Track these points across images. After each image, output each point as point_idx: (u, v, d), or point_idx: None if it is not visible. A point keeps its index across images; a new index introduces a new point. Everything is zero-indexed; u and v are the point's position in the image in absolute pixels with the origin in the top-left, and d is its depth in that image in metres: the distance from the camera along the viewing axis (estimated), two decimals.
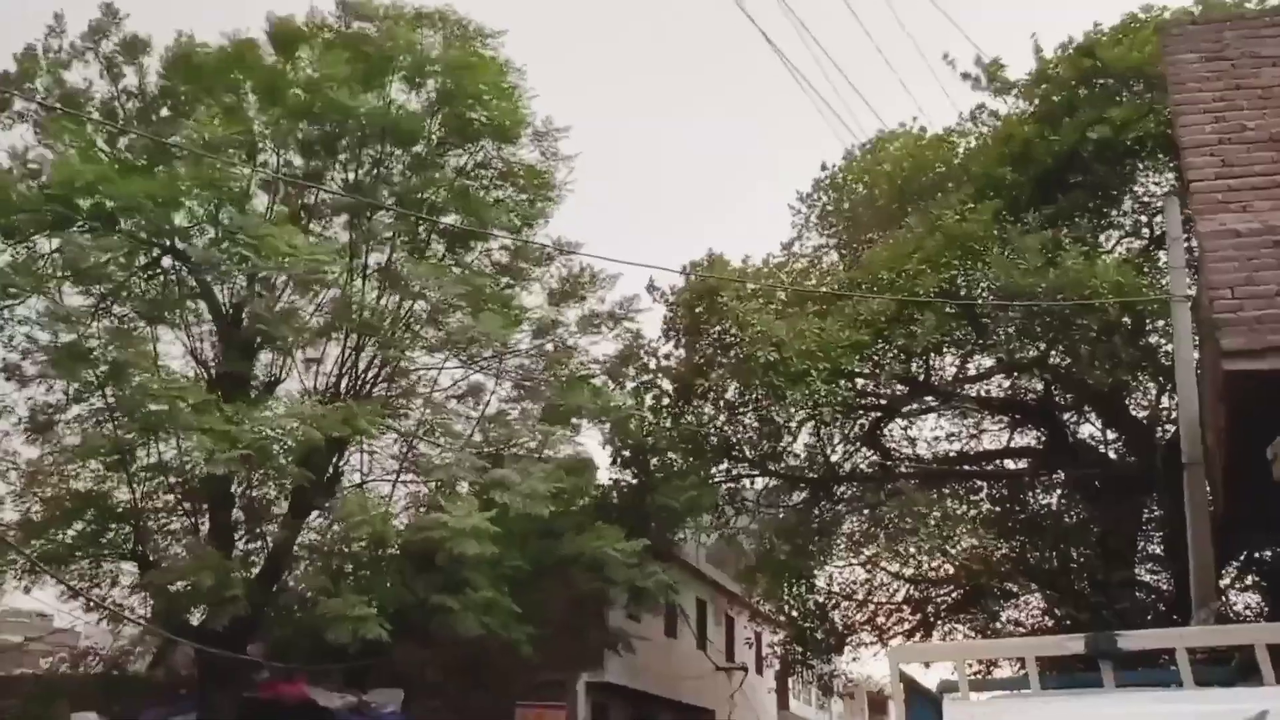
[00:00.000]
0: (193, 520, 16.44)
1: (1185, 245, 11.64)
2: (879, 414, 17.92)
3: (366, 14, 16.50)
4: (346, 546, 15.55)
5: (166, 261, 15.94)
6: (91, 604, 16.81)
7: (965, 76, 16.58)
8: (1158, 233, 15.01)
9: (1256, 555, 15.29)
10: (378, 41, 16.17)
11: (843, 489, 19.35)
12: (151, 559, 15.80)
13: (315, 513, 16.11)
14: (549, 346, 17.59)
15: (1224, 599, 14.99)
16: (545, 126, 17.00)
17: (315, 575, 15.60)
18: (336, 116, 15.77)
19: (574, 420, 16.72)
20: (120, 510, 15.70)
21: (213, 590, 13.85)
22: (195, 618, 15.54)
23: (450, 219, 16.80)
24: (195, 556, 14.81)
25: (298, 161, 16.76)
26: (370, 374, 16.46)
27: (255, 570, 15.79)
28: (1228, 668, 6.02)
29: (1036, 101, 15.93)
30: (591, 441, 18.02)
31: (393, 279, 16.12)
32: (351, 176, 16.77)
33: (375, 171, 16.71)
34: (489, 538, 13.68)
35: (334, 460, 15.96)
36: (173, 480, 15.91)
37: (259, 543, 16.42)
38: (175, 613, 15.38)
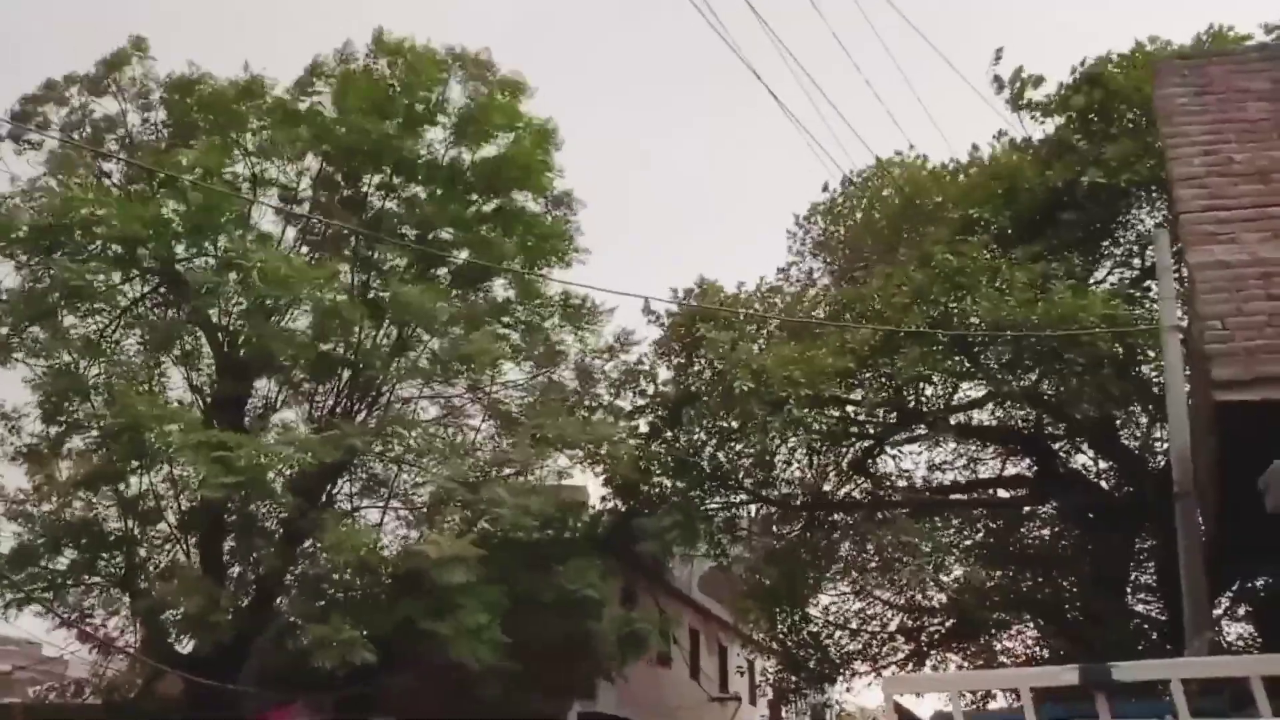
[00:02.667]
0: (184, 548, 16.40)
1: (1176, 276, 11.73)
2: (869, 442, 17.95)
3: (395, 51, 16.73)
4: (336, 573, 15.51)
5: (165, 290, 16.00)
6: (81, 633, 16.70)
7: (997, 80, 16.22)
8: (1148, 264, 15.10)
9: (1249, 585, 15.30)
10: (404, 80, 16.44)
11: (835, 517, 19.35)
12: (142, 587, 15.73)
13: (308, 540, 16.07)
14: (545, 378, 17.68)
15: (1217, 629, 15.00)
16: (565, 194, 17.33)
17: (304, 602, 15.57)
18: (354, 149, 15.97)
19: (566, 450, 16.76)
20: (113, 539, 15.64)
21: (202, 618, 13.80)
22: (185, 646, 15.47)
23: (461, 257, 17.02)
24: (185, 584, 14.77)
25: (311, 194, 16.97)
26: (366, 401, 16.49)
27: (247, 598, 15.73)
28: (1221, 698, 6.04)
29: (1050, 128, 15.83)
30: (583, 471, 18.04)
31: (393, 308, 16.22)
32: (365, 211, 16.95)
33: (385, 205, 16.91)
34: (474, 563, 13.70)
35: (327, 487, 15.96)
36: (165, 508, 15.87)
37: (251, 571, 16.35)
38: (165, 641, 15.31)
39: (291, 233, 17.00)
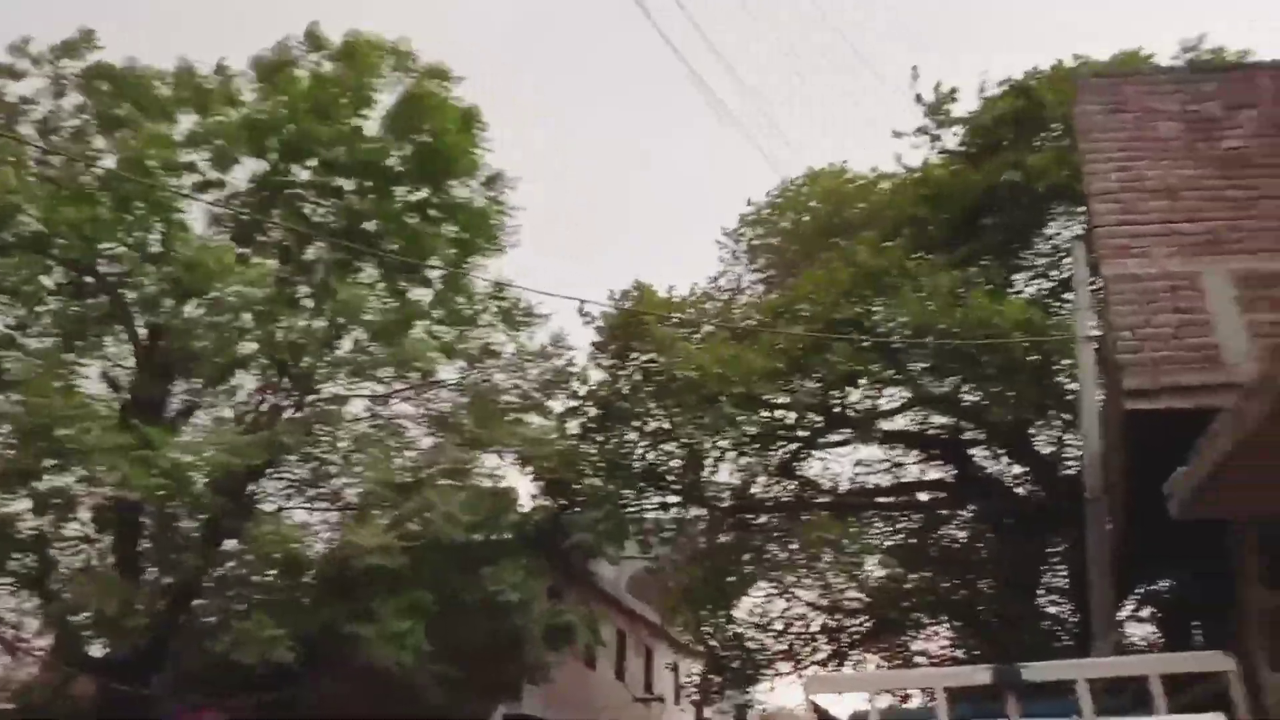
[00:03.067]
0: (99, 549, 15.97)
1: (1091, 288, 12.11)
2: (797, 445, 18.19)
3: (327, 47, 16.53)
4: (260, 574, 15.26)
5: (84, 283, 15.56)
6: None
7: (918, 99, 16.70)
8: (1065, 275, 15.55)
9: (1153, 588, 15.83)
10: (336, 75, 16.19)
11: (762, 519, 19.56)
12: (55, 588, 15.29)
13: (230, 540, 15.77)
14: (476, 378, 17.59)
15: (1123, 631, 15.49)
16: (495, 175, 17.26)
17: (227, 603, 15.30)
18: (293, 146, 15.74)
19: (496, 450, 16.70)
20: (23, 539, 15.16)
21: (116, 620, 13.49)
22: (99, 649, 15.08)
23: (391, 251, 16.81)
24: (99, 586, 14.40)
25: (242, 187, 16.64)
26: (293, 399, 16.24)
27: (164, 600, 15.38)
28: (1124, 697, 6.26)
29: (972, 137, 16.25)
30: (513, 471, 17.99)
31: (322, 305, 15.99)
32: (295, 206, 16.69)
33: (314, 200, 16.67)
34: (398, 555, 13.61)
35: (249, 488, 15.69)
36: (81, 508, 15.44)
37: (169, 572, 15.99)
38: (78, 644, 14.91)
39: (215, 227, 16.67)
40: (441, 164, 16.70)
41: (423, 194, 17.16)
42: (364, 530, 13.85)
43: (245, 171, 16.60)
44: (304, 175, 16.63)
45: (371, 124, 16.68)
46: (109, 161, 15.15)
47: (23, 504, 14.93)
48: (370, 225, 16.82)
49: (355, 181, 16.77)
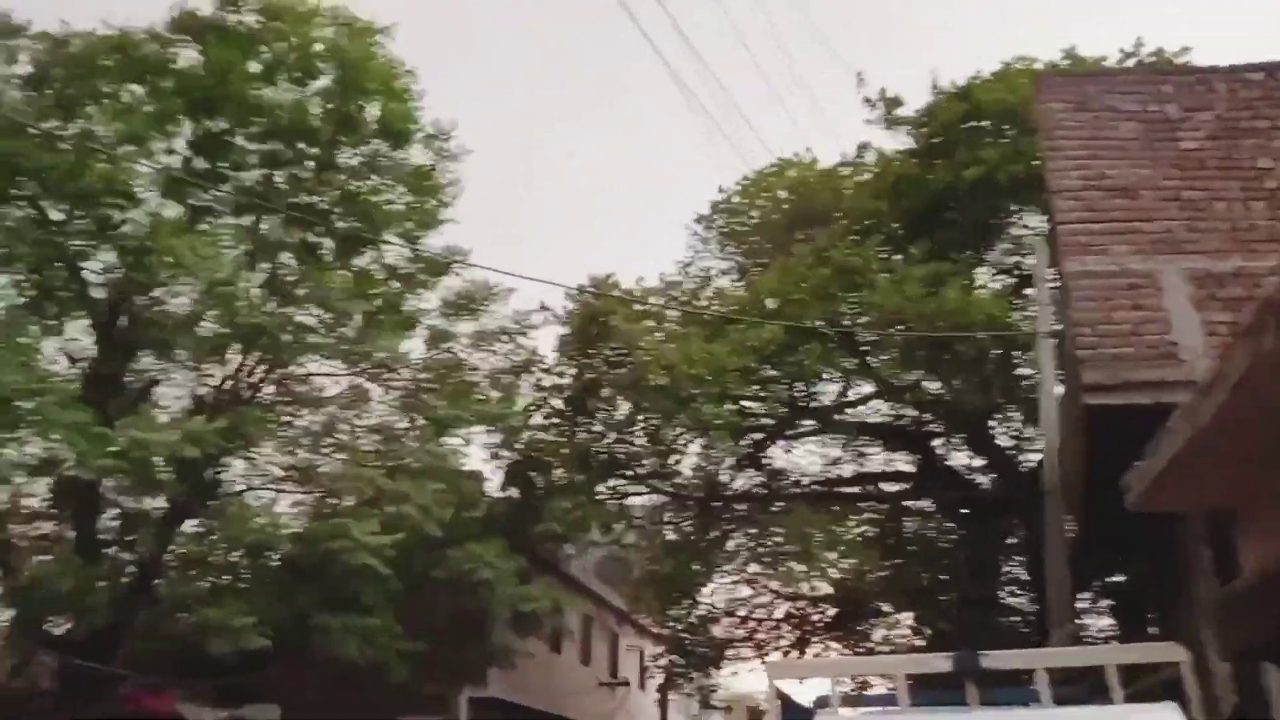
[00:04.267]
0: (58, 526, 15.80)
1: (1051, 285, 12.28)
2: (763, 436, 18.33)
3: (250, 6, 16.08)
4: (225, 556, 15.15)
5: (46, 255, 15.27)
6: None
7: (867, 101, 17.09)
8: (1026, 272, 15.77)
9: (1109, 580, 16.11)
10: (265, 35, 15.86)
11: (728, 508, 19.70)
12: (12, 565, 15.11)
13: (191, 521, 15.65)
14: (440, 357, 17.50)
15: (1080, 621, 15.75)
16: (434, 128, 17.05)
17: (190, 584, 15.17)
18: (229, 111, 15.45)
19: (461, 431, 16.64)
20: None
21: (75, 598, 13.36)
22: (59, 628, 14.94)
23: (342, 224, 16.60)
24: (58, 563, 14.25)
25: (187, 155, 16.33)
26: (257, 380, 16.11)
27: (124, 579, 15.25)
28: (1081, 687, 6.39)
29: (922, 139, 16.59)
30: (478, 454, 17.97)
31: (282, 283, 15.83)
32: (244, 174, 16.43)
33: (267, 171, 16.41)
34: (384, 557, 13.56)
35: (212, 468, 15.56)
36: (39, 483, 15.25)
37: (129, 551, 15.84)
38: (36, 621, 14.75)
39: (162, 197, 16.26)
40: (382, 129, 16.50)
41: (367, 157, 16.90)
42: (362, 525, 13.73)
43: (183, 140, 16.29)
44: (246, 144, 16.27)
45: (299, 85, 16.33)
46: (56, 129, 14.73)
47: None
48: (321, 198, 16.59)
49: (295, 148, 16.48)
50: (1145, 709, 5.21)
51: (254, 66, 15.75)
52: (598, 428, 17.62)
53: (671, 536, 20.01)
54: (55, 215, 14.98)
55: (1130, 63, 15.41)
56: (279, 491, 16.73)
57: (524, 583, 16.01)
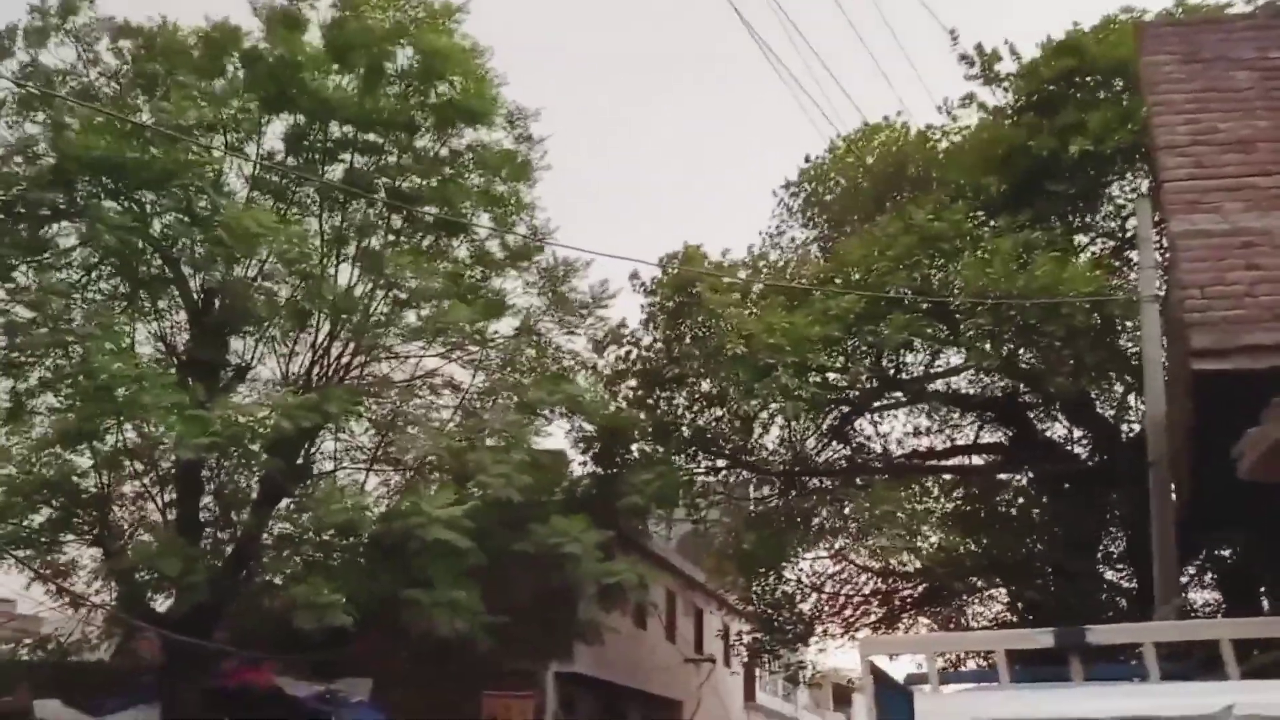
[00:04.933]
0: (160, 507, 16.30)
1: (1156, 246, 11.77)
2: (849, 408, 18.01)
3: None
4: (317, 534, 15.46)
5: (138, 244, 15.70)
6: (56, 590, 16.61)
7: (963, 58, 16.37)
8: (1129, 233, 15.14)
9: (1216, 553, 15.51)
10: (349, 26, 16.01)
11: (813, 482, 19.45)
12: (117, 545, 15.63)
13: (286, 500, 16.00)
14: (525, 337, 17.59)
15: (1185, 596, 15.23)
16: (516, 110, 17.05)
17: (283, 563, 15.52)
18: (318, 103, 15.68)
19: (545, 412, 16.69)
20: (86, 497, 15.50)
21: (177, 577, 13.75)
22: (161, 605, 15.42)
23: (430, 209, 16.74)
24: (161, 543, 14.70)
25: (279, 147, 16.66)
26: (344, 361, 16.38)
27: (223, 558, 15.67)
28: (1189, 663, 6.11)
29: (1021, 99, 15.86)
30: (561, 433, 18.02)
31: (370, 266, 16.03)
32: (331, 163, 16.68)
33: (355, 159, 16.65)
34: (461, 530, 13.66)
35: (305, 447, 15.87)
36: (140, 467, 15.74)
37: (228, 530, 16.28)
38: (140, 600, 15.26)
39: (256, 187, 16.58)
40: (465, 113, 16.55)
41: (452, 143, 16.99)
42: (435, 498, 13.89)
43: (275, 130, 16.58)
44: (335, 133, 16.49)
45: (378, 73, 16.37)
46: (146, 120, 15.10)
47: (84, 461, 15.24)
48: (409, 184, 16.75)
49: (382, 137, 16.64)
50: (1266, 685, 4.94)
51: (333, 57, 15.92)
52: (680, 400, 17.50)
53: (756, 510, 19.84)
54: (148, 208, 15.37)
55: (1249, 8, 14.52)
56: (368, 471, 17.02)
57: (607, 558, 15.98)
